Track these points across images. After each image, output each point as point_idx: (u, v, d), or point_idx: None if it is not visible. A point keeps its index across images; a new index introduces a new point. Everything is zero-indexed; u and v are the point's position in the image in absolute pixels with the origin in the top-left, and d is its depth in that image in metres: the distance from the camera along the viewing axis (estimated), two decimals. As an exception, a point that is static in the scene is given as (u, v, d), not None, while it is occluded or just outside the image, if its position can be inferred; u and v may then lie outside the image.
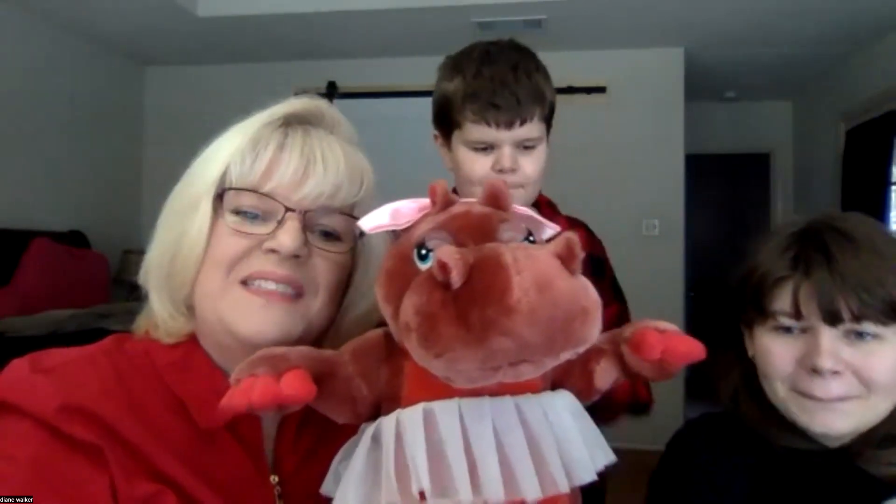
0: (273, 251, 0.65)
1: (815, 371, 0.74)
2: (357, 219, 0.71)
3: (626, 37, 4.04)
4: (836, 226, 0.78)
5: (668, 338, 0.54)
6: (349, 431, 0.57)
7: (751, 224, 5.93)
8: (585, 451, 0.51)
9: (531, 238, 0.53)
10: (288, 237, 0.65)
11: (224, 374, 0.69)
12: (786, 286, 0.78)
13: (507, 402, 0.50)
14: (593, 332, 0.45)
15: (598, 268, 1.18)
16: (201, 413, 0.65)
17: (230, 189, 0.67)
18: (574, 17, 3.68)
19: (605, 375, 0.58)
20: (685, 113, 4.22)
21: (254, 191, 0.66)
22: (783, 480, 0.81)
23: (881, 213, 3.92)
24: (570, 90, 4.04)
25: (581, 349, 0.45)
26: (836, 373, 0.74)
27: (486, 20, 3.67)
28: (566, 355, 0.45)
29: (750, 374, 0.83)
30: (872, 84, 4.01)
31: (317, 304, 0.69)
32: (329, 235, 0.70)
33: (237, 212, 0.67)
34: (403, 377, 0.54)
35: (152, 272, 0.70)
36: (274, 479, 0.70)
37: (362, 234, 0.72)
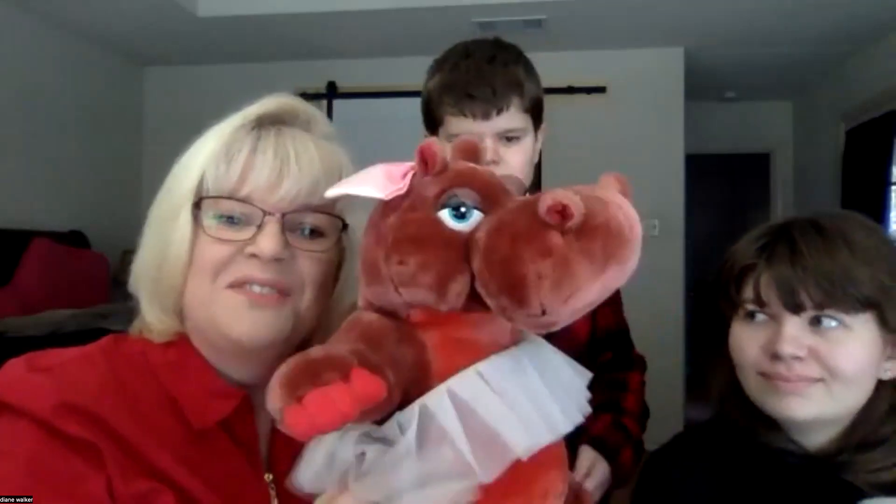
0: (255, 256, 0.66)
1: (777, 357, 0.75)
2: (336, 216, 0.71)
3: (626, 37, 4.03)
4: (811, 220, 0.79)
5: None
6: None
7: (751, 224, 5.91)
8: (579, 384, 0.56)
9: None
10: (268, 241, 0.65)
11: (217, 374, 0.69)
12: (752, 274, 0.79)
13: (519, 353, 0.52)
14: None
15: None
16: (195, 413, 0.66)
17: (207, 197, 0.67)
18: (574, 17, 3.68)
19: None
20: (685, 113, 4.22)
21: (230, 197, 0.66)
22: (760, 492, 0.80)
23: (881, 213, 3.92)
24: (570, 90, 4.03)
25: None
26: (797, 358, 0.74)
27: (486, 20, 3.67)
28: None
29: (734, 372, 0.84)
30: (872, 84, 4.01)
31: (304, 303, 0.69)
32: (312, 233, 0.70)
33: (217, 217, 0.67)
34: (429, 351, 0.51)
35: (141, 279, 0.71)
36: (268, 477, 0.70)
37: (345, 227, 0.72)
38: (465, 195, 0.49)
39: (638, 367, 1.24)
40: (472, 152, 0.53)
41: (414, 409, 0.49)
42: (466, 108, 1.02)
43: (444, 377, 0.49)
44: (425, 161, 0.51)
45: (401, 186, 0.51)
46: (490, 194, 0.50)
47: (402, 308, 0.52)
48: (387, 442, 0.49)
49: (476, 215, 0.49)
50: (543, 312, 0.45)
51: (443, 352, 0.51)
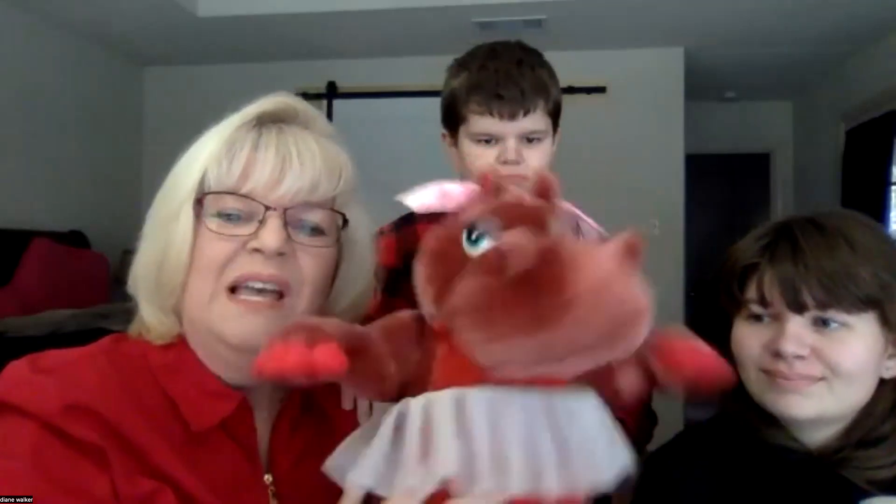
0: (257, 251, 0.66)
1: (779, 355, 0.75)
2: (338, 212, 0.71)
3: (626, 37, 4.03)
4: (813, 219, 0.79)
5: (698, 356, 0.55)
6: (343, 432, 0.57)
7: (751, 224, 5.90)
8: (608, 453, 0.51)
9: (579, 234, 0.56)
10: (270, 236, 0.65)
11: (215, 377, 0.69)
12: (755, 273, 0.79)
13: (536, 396, 0.50)
14: (642, 336, 0.45)
15: None
16: (193, 415, 0.66)
17: (209, 193, 0.67)
18: (574, 17, 3.68)
19: (627, 377, 0.58)
20: (685, 113, 4.21)
21: (232, 193, 0.67)
22: (761, 490, 0.80)
23: (881, 213, 3.91)
24: (570, 90, 4.03)
25: (629, 352, 0.45)
26: (799, 356, 0.75)
27: (486, 20, 3.67)
28: (614, 355, 0.45)
29: (736, 369, 0.84)
30: (872, 84, 4.01)
31: (302, 303, 0.69)
32: (312, 230, 0.70)
33: (218, 215, 0.67)
34: (435, 361, 0.53)
35: (140, 281, 0.71)
36: (268, 478, 0.70)
37: (345, 224, 0.72)
38: (491, 223, 0.51)
39: None
40: (547, 189, 0.56)
41: (397, 406, 0.52)
42: (494, 108, 1.04)
43: (437, 388, 0.51)
44: (485, 186, 0.56)
45: (458, 204, 0.56)
46: (510, 228, 0.50)
47: (428, 315, 0.55)
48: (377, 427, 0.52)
49: (484, 244, 0.50)
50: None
51: (443, 366, 0.52)
